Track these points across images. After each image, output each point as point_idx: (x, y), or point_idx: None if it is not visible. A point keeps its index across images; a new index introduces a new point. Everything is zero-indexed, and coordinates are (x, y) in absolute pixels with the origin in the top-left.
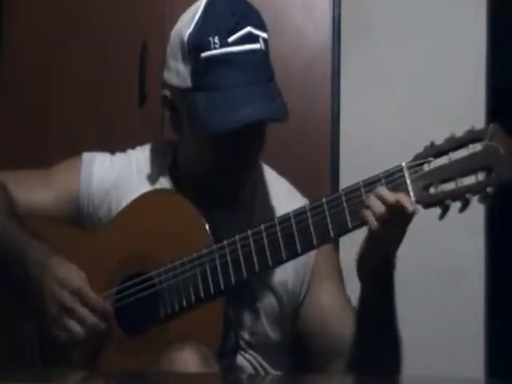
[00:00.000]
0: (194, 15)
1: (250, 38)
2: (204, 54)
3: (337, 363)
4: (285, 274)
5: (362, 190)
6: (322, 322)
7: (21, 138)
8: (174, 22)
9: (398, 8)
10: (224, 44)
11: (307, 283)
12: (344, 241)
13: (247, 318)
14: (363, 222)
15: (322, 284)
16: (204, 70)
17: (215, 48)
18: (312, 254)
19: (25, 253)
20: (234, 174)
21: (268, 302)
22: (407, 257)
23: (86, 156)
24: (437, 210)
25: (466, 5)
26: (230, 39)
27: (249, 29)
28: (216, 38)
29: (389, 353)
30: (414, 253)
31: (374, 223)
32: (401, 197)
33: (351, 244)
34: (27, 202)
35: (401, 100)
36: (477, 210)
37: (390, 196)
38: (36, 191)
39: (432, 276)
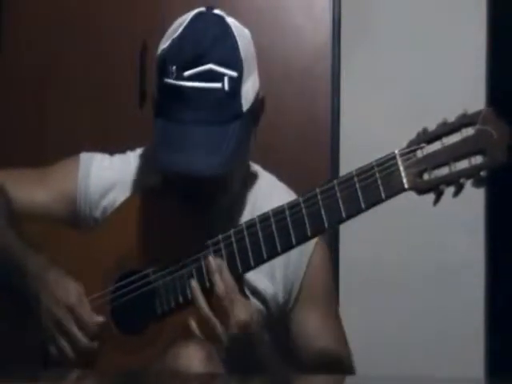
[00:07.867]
0: (173, 33)
1: (210, 76)
2: (164, 80)
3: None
4: (275, 287)
5: (356, 178)
6: (302, 340)
7: (20, 138)
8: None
9: (398, 8)
10: (179, 77)
11: (294, 298)
12: (344, 234)
13: None
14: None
15: (307, 303)
16: (163, 95)
17: (171, 78)
18: (302, 267)
19: (23, 264)
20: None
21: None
22: (407, 255)
23: (83, 156)
24: (436, 209)
25: (465, 5)
26: (186, 73)
27: (210, 66)
28: (174, 67)
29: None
30: (414, 251)
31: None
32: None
33: (352, 238)
34: (25, 201)
35: (401, 100)
36: (477, 207)
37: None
38: (34, 190)
39: (432, 275)
